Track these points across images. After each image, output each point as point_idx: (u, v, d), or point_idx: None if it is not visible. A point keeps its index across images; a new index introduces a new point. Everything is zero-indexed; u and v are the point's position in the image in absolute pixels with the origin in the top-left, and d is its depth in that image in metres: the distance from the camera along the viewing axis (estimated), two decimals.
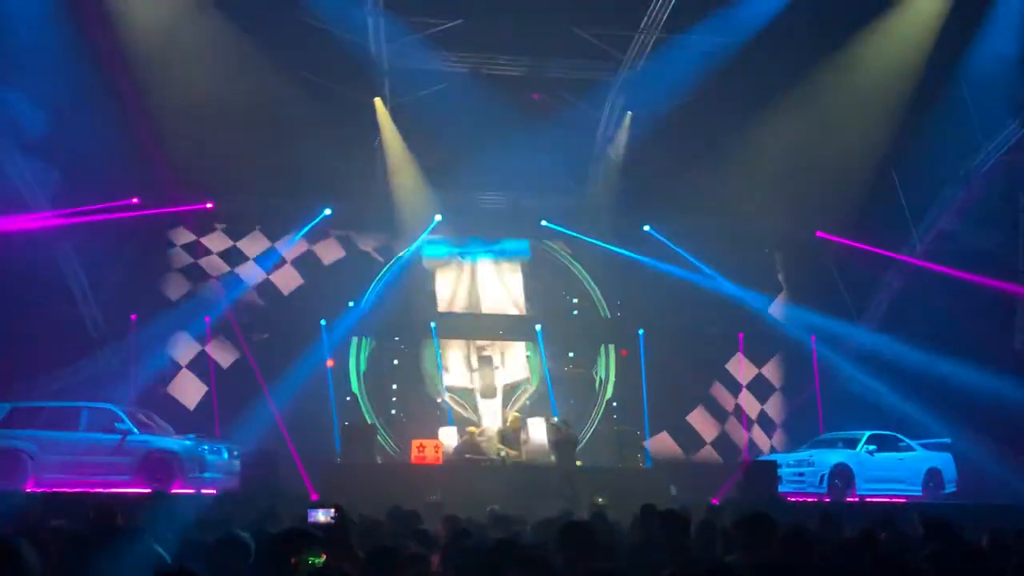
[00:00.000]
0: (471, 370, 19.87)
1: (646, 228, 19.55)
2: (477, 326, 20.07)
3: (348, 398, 19.19)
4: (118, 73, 15.15)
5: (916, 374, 18.12)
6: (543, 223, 19.80)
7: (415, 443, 15.84)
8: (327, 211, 18.91)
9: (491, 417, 19.14)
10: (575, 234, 19.79)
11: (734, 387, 20.27)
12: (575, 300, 20.47)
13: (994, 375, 17.17)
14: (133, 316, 17.77)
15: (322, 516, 4.15)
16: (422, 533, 6.51)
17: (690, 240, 19.17)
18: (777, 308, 20.63)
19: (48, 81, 14.62)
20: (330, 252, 19.72)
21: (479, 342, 20.04)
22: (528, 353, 19.93)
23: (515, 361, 20.03)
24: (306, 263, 19.56)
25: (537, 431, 16.99)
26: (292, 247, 19.53)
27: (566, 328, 20.12)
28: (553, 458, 15.96)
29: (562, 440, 15.71)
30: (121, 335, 17.69)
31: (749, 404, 20.29)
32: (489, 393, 19.68)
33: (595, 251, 20.13)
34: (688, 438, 19.82)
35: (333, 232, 19.76)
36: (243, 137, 16.25)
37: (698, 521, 6.47)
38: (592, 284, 20.44)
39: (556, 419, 16.61)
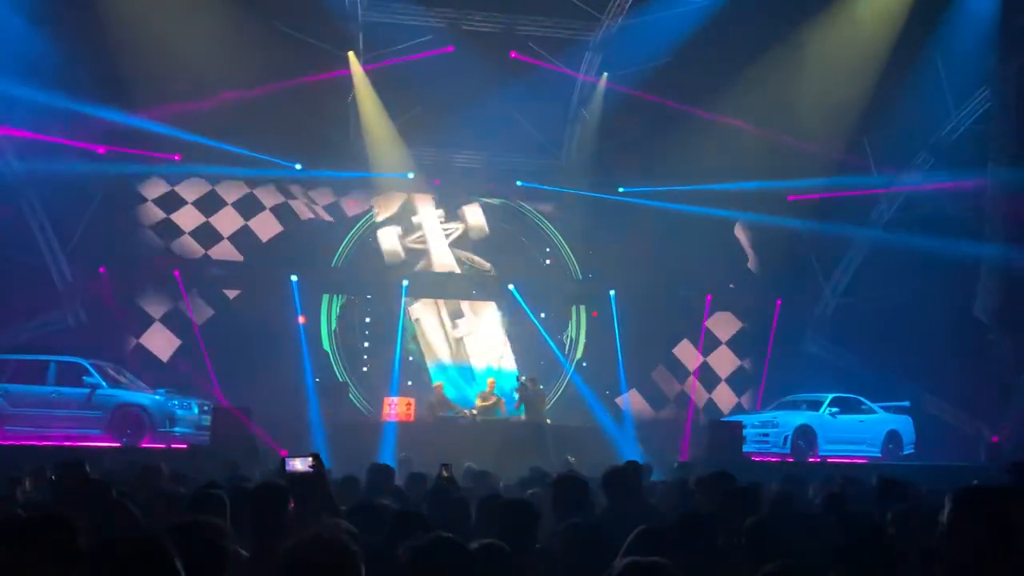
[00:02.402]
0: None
1: (621, 190, 19.59)
2: (449, 285, 20.08)
3: (320, 355, 19.17)
4: (85, 20, 14.78)
5: (878, 339, 18.53)
6: (518, 183, 19.75)
7: (386, 400, 15.94)
8: (297, 166, 18.66)
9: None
10: (554, 188, 19.70)
11: (698, 347, 20.54)
12: (547, 262, 20.52)
13: (954, 341, 17.59)
14: (102, 269, 17.57)
15: (299, 465, 4.17)
16: (396, 490, 6.61)
17: (663, 202, 19.23)
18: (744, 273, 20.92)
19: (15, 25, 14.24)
20: (300, 209, 19.50)
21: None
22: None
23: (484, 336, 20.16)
24: (276, 219, 19.33)
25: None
26: (262, 202, 19.28)
27: (537, 289, 20.19)
28: (523, 416, 16.23)
29: (531, 396, 16.08)
30: (89, 288, 17.46)
31: (713, 364, 20.60)
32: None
33: (568, 212, 20.18)
34: (656, 396, 20.12)
35: (303, 188, 19.53)
36: (213, 89, 15.99)
37: (669, 479, 6.63)
38: (564, 245, 20.49)
39: (524, 377, 16.82)
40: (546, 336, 19.74)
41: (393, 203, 19.86)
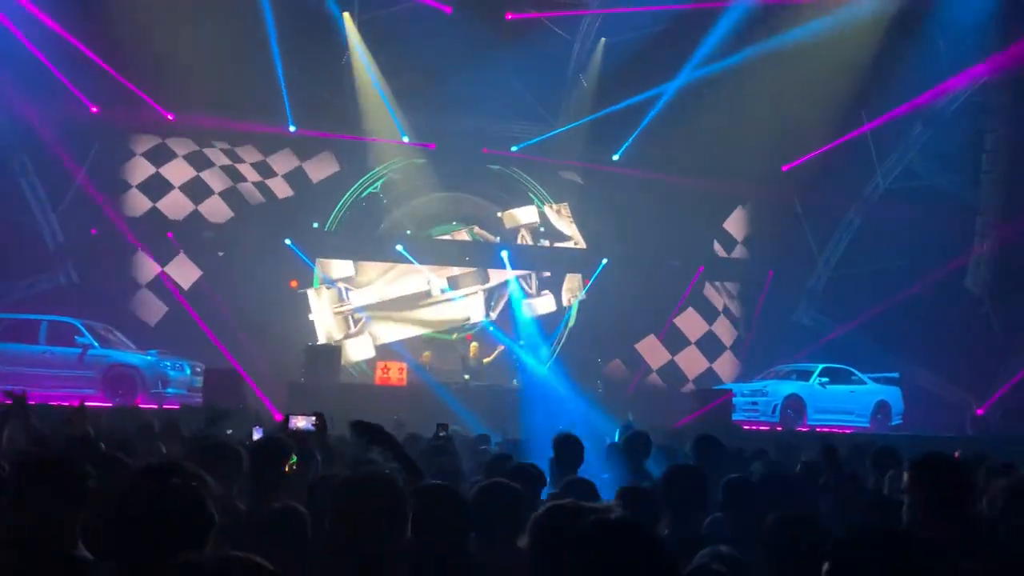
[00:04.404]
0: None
1: (615, 158, 19.51)
2: (444, 250, 20.01)
3: (312, 318, 19.15)
4: None
5: (870, 310, 18.60)
6: (513, 149, 19.63)
7: (379, 364, 15.97)
8: (292, 128, 18.48)
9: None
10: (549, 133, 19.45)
11: (693, 316, 20.61)
12: (542, 229, 20.45)
13: (945, 313, 17.70)
14: (93, 231, 17.46)
15: (302, 423, 4.20)
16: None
17: (659, 171, 19.16)
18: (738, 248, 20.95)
19: None
20: (291, 172, 19.34)
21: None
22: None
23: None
24: (269, 182, 19.19)
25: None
26: (255, 165, 19.14)
27: (531, 256, 20.17)
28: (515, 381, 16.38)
29: None
30: (81, 249, 17.36)
31: (706, 334, 20.67)
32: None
33: (562, 181, 20.09)
34: (638, 365, 20.18)
35: (294, 150, 19.35)
36: (207, 49, 15.77)
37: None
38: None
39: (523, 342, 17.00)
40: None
41: None
